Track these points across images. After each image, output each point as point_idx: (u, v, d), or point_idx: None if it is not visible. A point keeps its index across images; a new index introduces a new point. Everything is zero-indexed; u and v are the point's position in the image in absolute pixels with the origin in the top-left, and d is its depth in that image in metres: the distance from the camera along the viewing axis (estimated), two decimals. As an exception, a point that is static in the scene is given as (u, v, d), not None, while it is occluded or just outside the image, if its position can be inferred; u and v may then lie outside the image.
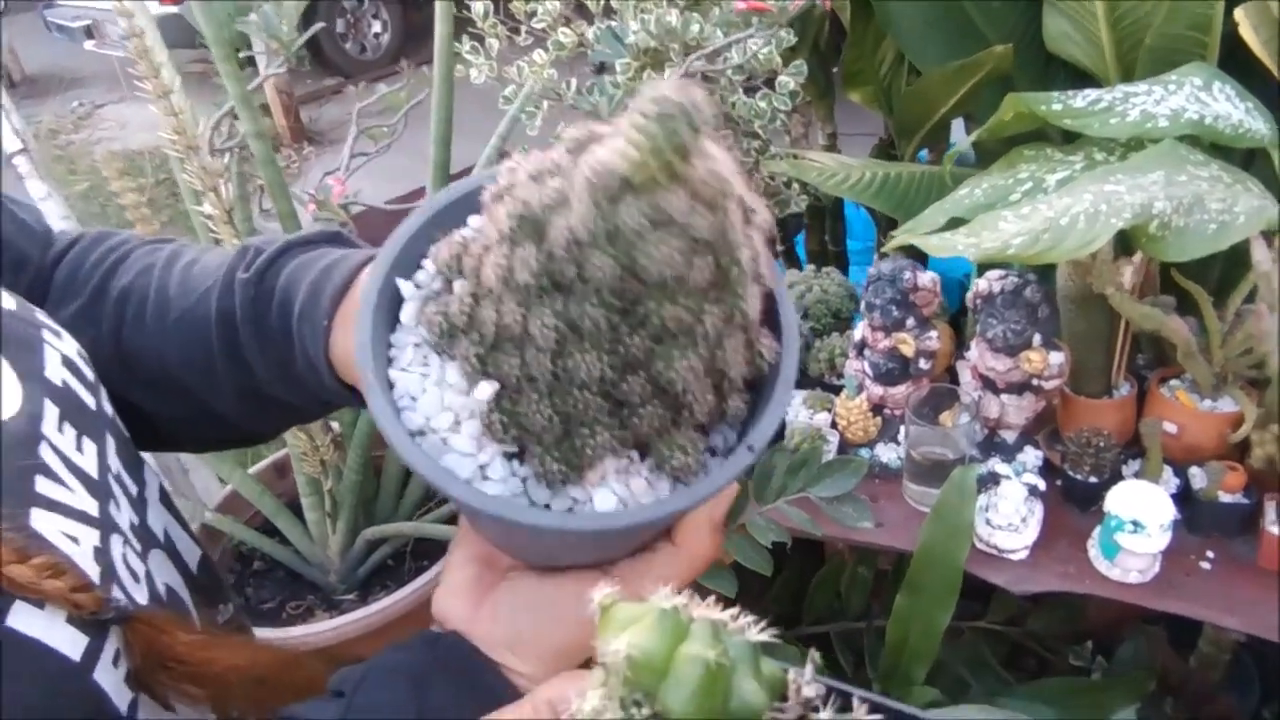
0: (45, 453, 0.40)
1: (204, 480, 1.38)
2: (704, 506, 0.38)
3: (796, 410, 1.11)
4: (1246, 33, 1.01)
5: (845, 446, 1.09)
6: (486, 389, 0.33)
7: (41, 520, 0.38)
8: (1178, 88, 1.01)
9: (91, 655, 0.37)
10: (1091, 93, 1.03)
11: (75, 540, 0.39)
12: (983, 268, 1.35)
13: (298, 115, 4.34)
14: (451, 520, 1.22)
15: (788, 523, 1.00)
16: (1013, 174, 1.05)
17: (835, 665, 1.13)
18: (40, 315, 0.45)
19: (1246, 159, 1.06)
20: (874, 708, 0.34)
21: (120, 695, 0.40)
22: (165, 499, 0.52)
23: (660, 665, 0.30)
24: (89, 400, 0.45)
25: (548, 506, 0.35)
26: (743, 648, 0.34)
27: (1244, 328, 0.93)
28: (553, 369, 0.32)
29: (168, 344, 0.49)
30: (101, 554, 0.40)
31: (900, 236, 1.01)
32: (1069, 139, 1.10)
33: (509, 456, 0.35)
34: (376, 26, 5.24)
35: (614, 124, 0.30)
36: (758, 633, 0.34)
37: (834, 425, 1.09)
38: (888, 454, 1.07)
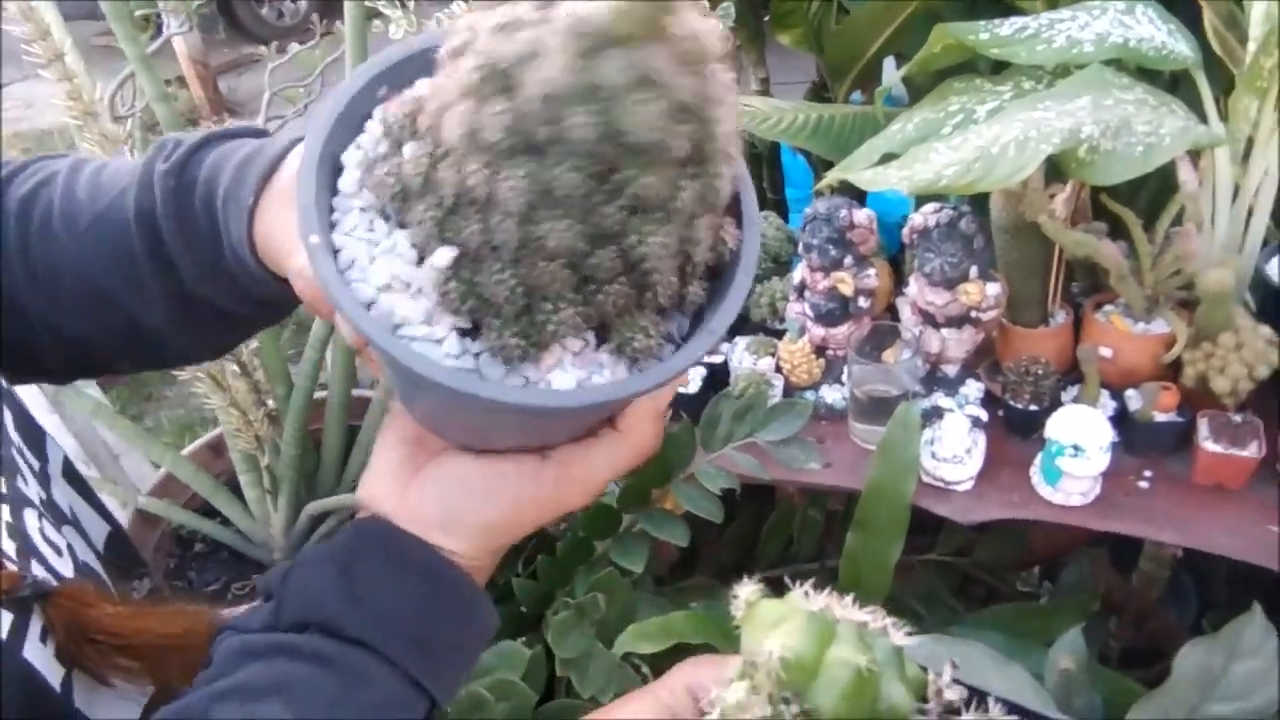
0: None
1: (135, 464, 1.33)
2: (649, 396, 0.37)
3: (740, 356, 1.11)
4: (1166, -48, 1.01)
5: (790, 390, 1.08)
6: (445, 254, 0.31)
7: None
8: (1101, 12, 1.01)
9: (18, 632, 0.37)
10: (1017, 20, 1.02)
11: None
12: (918, 203, 1.36)
13: (216, 86, 4.17)
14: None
15: (736, 469, 0.99)
16: (944, 106, 1.04)
17: (790, 607, 1.14)
18: None
19: (1171, 82, 1.07)
20: (1010, 709, 0.35)
21: (52, 672, 0.39)
22: (70, 473, 0.49)
23: (810, 666, 0.32)
24: None
25: None
26: (888, 651, 0.35)
27: (1173, 249, 0.94)
28: (520, 235, 0.30)
29: (84, 252, 0.45)
30: (14, 529, 0.39)
31: (833, 174, 1.00)
32: (997, 70, 1.10)
33: (462, 333, 0.33)
34: (295, -11, 5.04)
35: None
36: (900, 635, 0.35)
37: (778, 370, 1.09)
38: (832, 395, 1.07)
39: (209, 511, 1.26)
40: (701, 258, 0.34)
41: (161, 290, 0.45)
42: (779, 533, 1.19)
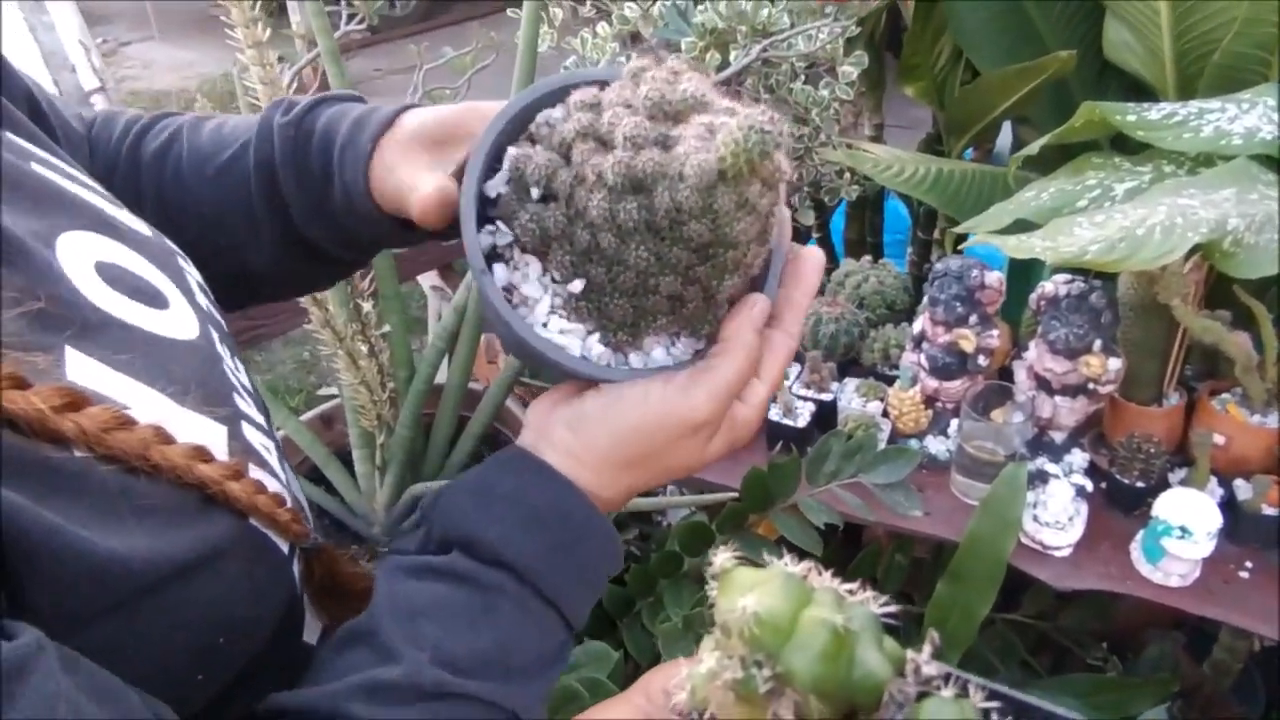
0: (227, 371, 0.42)
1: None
2: (747, 314, 0.44)
3: (849, 397, 1.14)
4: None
5: (896, 436, 1.11)
6: (578, 285, 0.43)
7: (249, 433, 0.40)
8: (1251, 106, 1.03)
9: (290, 553, 0.41)
10: (1166, 106, 1.05)
11: (269, 450, 0.42)
12: (1014, 264, 1.37)
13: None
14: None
15: (840, 505, 1.02)
16: (1081, 180, 1.07)
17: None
18: (169, 241, 0.47)
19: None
20: (991, 695, 0.35)
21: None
22: None
23: (785, 627, 0.31)
24: (224, 323, 0.47)
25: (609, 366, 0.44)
26: (866, 618, 0.34)
27: (1300, 347, 0.95)
28: (637, 284, 0.42)
29: (206, 196, 0.51)
30: (282, 463, 0.43)
31: (963, 229, 1.03)
32: (1122, 147, 1.12)
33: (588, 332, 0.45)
34: (407, -17, 5.19)
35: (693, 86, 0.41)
36: (878, 606, 0.35)
37: (885, 414, 1.11)
38: (937, 446, 1.09)
39: (315, 478, 1.32)
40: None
41: (271, 232, 0.51)
42: (863, 572, 1.21)
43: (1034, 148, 1.11)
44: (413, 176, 0.45)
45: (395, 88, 4.48)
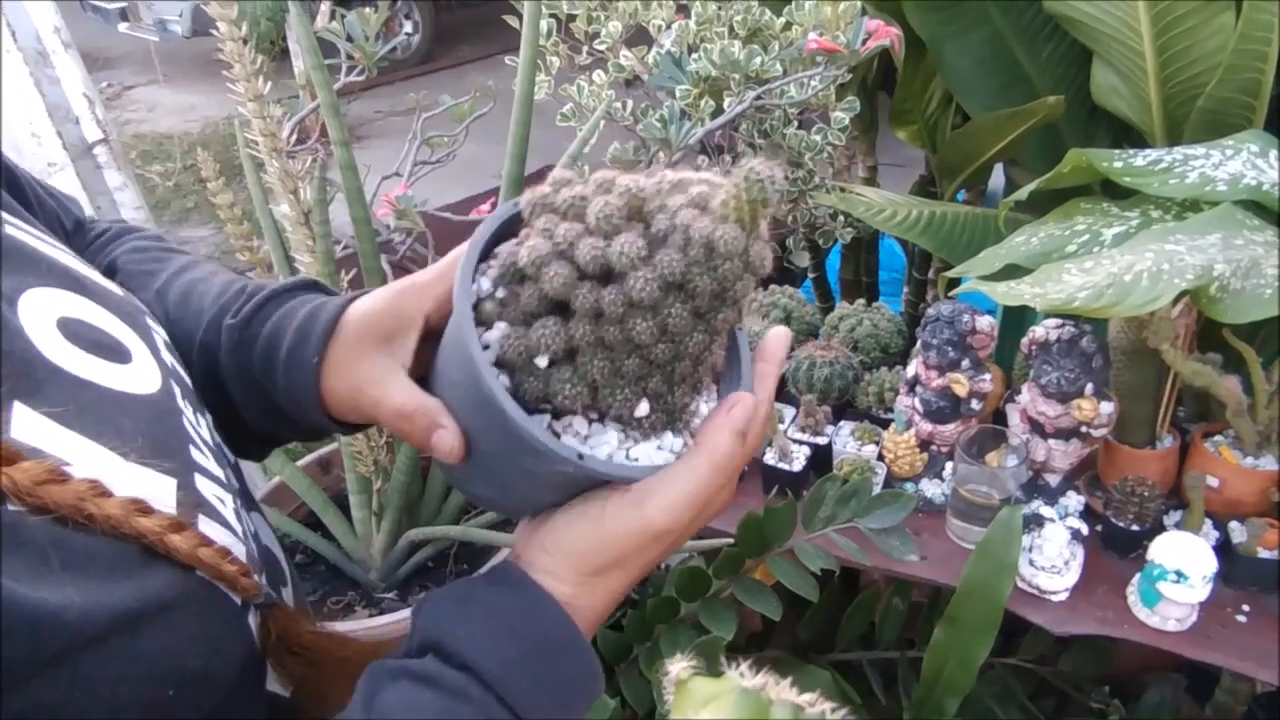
0: (185, 424, 0.42)
1: (248, 471, 1.40)
2: (725, 412, 0.43)
3: (845, 441, 1.14)
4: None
5: (891, 480, 1.11)
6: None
7: (202, 485, 0.40)
8: (1235, 153, 1.05)
9: (245, 607, 0.41)
10: (1151, 153, 1.06)
11: (223, 502, 0.42)
12: (1005, 308, 1.38)
13: (328, 110, 4.36)
14: (494, 526, 1.24)
15: (836, 550, 1.02)
16: (1069, 225, 1.08)
17: (869, 693, 1.15)
18: (138, 301, 0.47)
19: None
20: None
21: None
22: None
23: None
24: (188, 379, 0.48)
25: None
26: None
27: (1290, 390, 0.96)
28: (639, 363, 0.41)
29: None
30: (238, 516, 0.43)
31: (963, 278, 1.04)
32: (1112, 190, 1.14)
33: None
34: (408, 27, 5.28)
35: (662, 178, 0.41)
36: (837, 718, 0.35)
37: (881, 458, 1.12)
38: (932, 489, 1.10)
39: (313, 524, 1.31)
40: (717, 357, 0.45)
41: (210, 402, 0.51)
42: (860, 617, 1.21)
43: (1023, 193, 1.13)
44: (374, 388, 0.46)
45: (396, 129, 4.54)
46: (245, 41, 0.97)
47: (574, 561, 0.43)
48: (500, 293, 0.42)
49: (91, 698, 0.32)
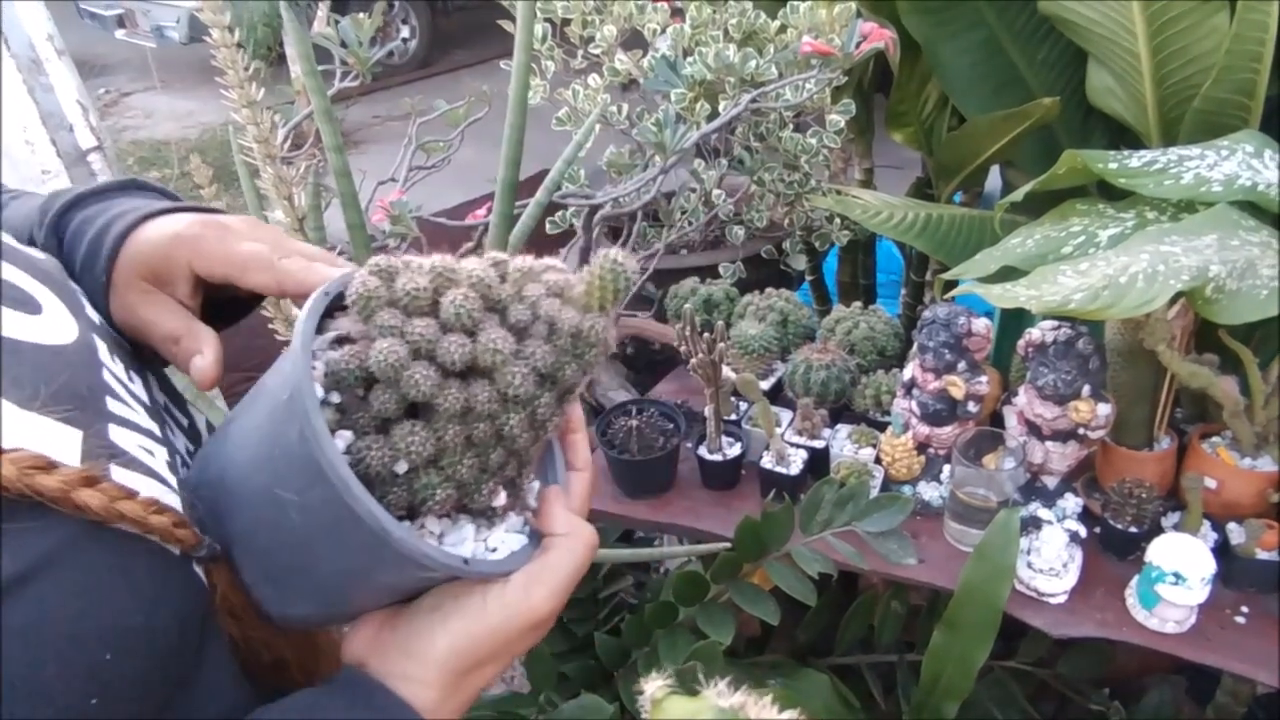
0: (106, 376, 0.41)
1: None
2: (566, 502, 0.45)
3: (842, 444, 1.14)
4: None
5: (889, 483, 1.11)
6: (403, 466, 0.40)
7: (119, 435, 0.39)
8: (1230, 153, 1.05)
9: (185, 557, 0.39)
10: (1146, 154, 1.06)
11: (151, 454, 0.40)
12: (1002, 310, 1.38)
13: (325, 116, 4.36)
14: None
15: (833, 554, 1.02)
16: (1065, 226, 1.08)
17: (868, 697, 1.15)
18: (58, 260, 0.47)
19: (1294, 226, 1.09)
20: None
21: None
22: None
23: None
24: (123, 340, 0.47)
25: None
26: None
27: (1287, 390, 0.96)
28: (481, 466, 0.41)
29: None
30: (172, 469, 0.41)
31: (949, 276, 1.04)
32: (1107, 190, 1.14)
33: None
34: (405, 31, 5.29)
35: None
36: None
37: (878, 461, 1.12)
38: (930, 492, 1.09)
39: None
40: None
41: None
42: (859, 621, 1.20)
43: (1019, 194, 1.13)
44: (144, 310, 0.46)
45: (393, 134, 4.54)
46: (240, 47, 0.97)
47: (448, 663, 0.41)
48: (335, 398, 0.39)
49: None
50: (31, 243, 0.49)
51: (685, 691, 0.34)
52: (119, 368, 0.43)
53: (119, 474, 0.37)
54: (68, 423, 0.36)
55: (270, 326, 1.19)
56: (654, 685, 0.34)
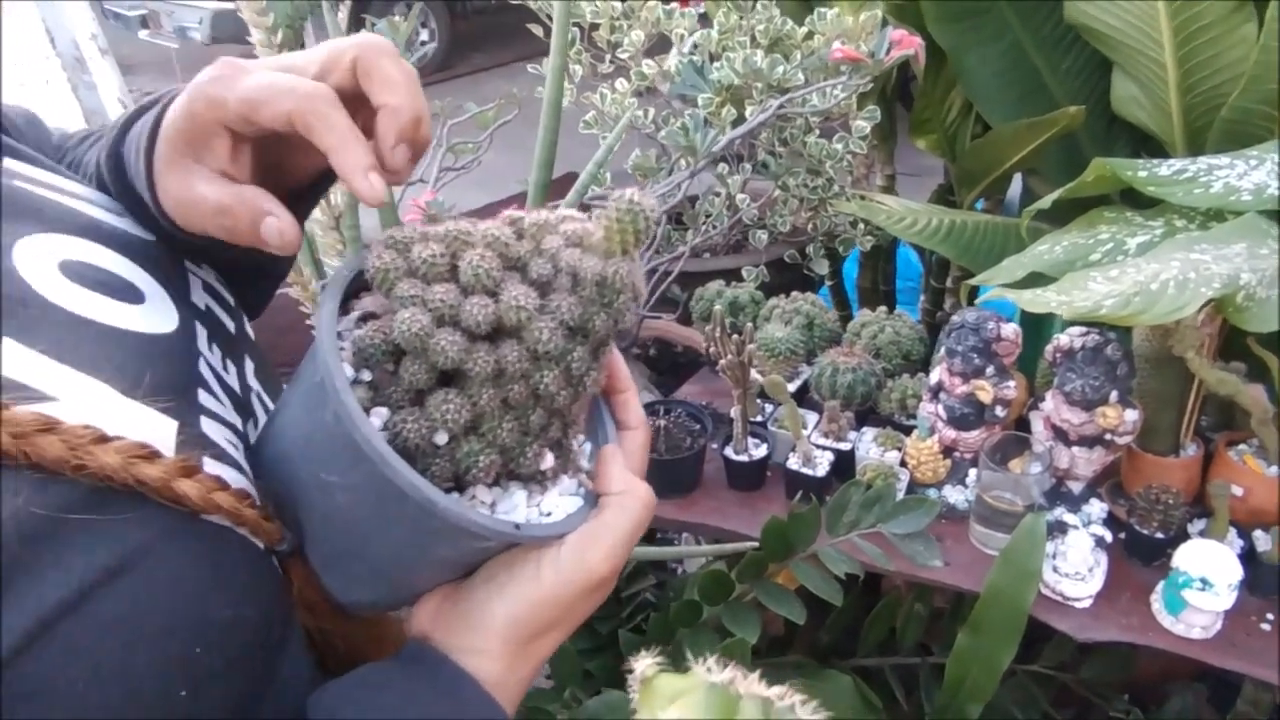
0: (202, 367, 0.41)
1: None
2: (624, 458, 0.44)
3: (867, 447, 1.15)
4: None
5: (914, 486, 1.12)
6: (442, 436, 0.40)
7: (209, 428, 0.39)
8: (1259, 163, 1.05)
9: (268, 551, 0.40)
10: (1175, 163, 1.07)
11: (236, 447, 0.40)
12: (1029, 316, 1.38)
13: (345, 117, 4.40)
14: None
15: (859, 555, 1.03)
16: (1093, 234, 1.09)
17: (891, 699, 1.16)
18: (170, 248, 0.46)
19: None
20: None
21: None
22: None
23: None
24: (229, 324, 0.47)
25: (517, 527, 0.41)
26: None
27: (1315, 399, 0.96)
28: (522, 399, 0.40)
29: None
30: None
31: (988, 286, 1.05)
32: (1133, 199, 1.14)
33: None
34: (424, 35, 5.32)
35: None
36: (808, 713, 0.35)
37: (903, 464, 1.12)
38: (955, 495, 1.10)
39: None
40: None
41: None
42: (882, 622, 1.21)
43: (1047, 201, 1.13)
44: (188, 193, 0.41)
45: (413, 136, 4.53)
46: (281, 48, 0.99)
47: (509, 631, 0.41)
48: (366, 375, 0.39)
49: (89, 666, 0.30)
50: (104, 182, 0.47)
51: (674, 669, 0.35)
52: (215, 357, 0.43)
53: (211, 466, 0.37)
54: (166, 413, 0.36)
55: (301, 309, 1.20)
56: (643, 663, 0.34)
